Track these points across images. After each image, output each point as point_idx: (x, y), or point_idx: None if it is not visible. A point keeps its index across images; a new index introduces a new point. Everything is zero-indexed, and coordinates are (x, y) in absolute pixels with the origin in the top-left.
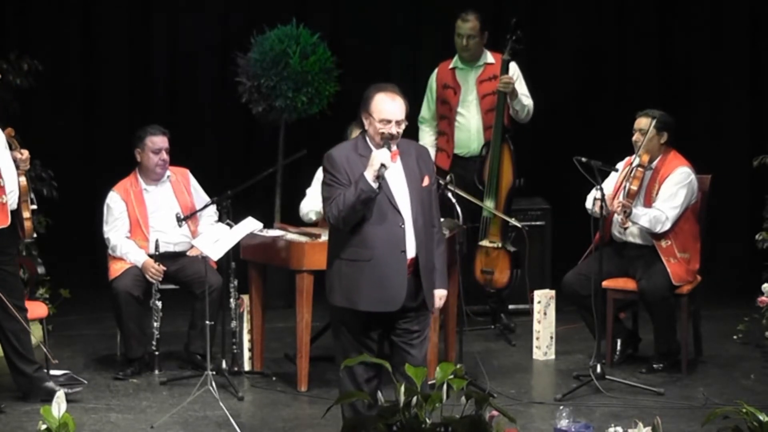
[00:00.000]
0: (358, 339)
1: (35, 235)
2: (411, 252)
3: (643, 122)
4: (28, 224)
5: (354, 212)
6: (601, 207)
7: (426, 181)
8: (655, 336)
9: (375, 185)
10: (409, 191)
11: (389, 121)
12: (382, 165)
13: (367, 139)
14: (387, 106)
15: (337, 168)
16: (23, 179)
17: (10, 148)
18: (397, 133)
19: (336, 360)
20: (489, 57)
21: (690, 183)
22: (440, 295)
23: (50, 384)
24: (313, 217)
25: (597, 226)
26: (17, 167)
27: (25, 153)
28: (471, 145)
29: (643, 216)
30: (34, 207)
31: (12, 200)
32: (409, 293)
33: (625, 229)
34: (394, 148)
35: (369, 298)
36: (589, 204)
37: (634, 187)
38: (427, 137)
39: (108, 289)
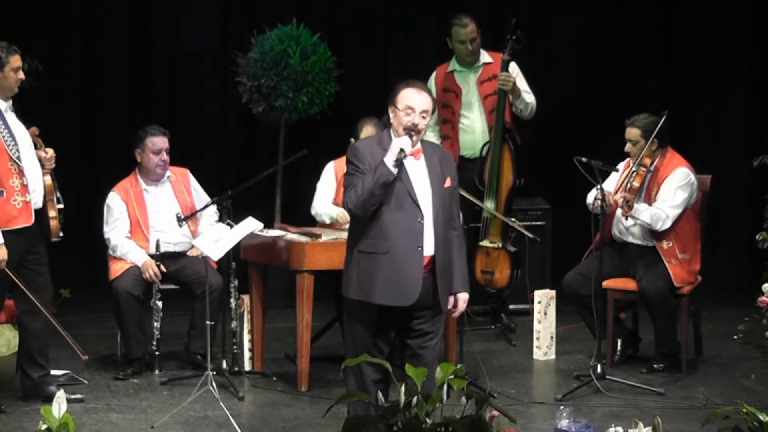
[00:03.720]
0: (370, 338)
1: (62, 234)
2: (429, 249)
3: (632, 133)
4: (53, 223)
5: (372, 197)
6: (602, 206)
7: (448, 182)
8: (656, 336)
9: (394, 169)
10: (431, 189)
11: (413, 110)
12: (402, 150)
13: (392, 133)
14: (411, 96)
15: (359, 158)
16: (48, 178)
17: (35, 147)
18: (420, 124)
19: (346, 356)
20: (486, 57)
21: (690, 183)
22: (463, 298)
23: (53, 388)
24: (327, 221)
25: (597, 226)
26: (42, 166)
27: (50, 152)
28: (476, 146)
29: (645, 212)
30: (61, 206)
31: (36, 199)
32: (425, 292)
33: (627, 218)
34: (416, 142)
35: (384, 291)
36: (590, 199)
37: (637, 184)
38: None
39: (108, 289)
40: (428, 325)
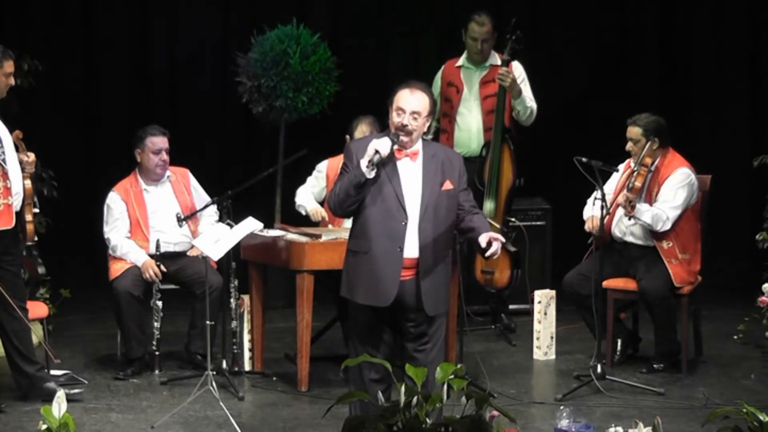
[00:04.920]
0: (367, 337)
1: (36, 239)
2: (412, 252)
3: (633, 132)
4: (30, 227)
5: (348, 197)
6: (602, 207)
7: (448, 185)
8: (656, 336)
9: (367, 171)
10: (422, 192)
11: (402, 111)
12: (377, 152)
13: (391, 130)
14: (403, 96)
15: (348, 157)
16: (28, 182)
17: (17, 150)
18: (410, 125)
19: (349, 356)
20: (496, 58)
21: (690, 183)
22: (488, 236)
23: (51, 384)
24: (302, 212)
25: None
26: (23, 170)
27: (32, 156)
28: (471, 145)
29: (646, 212)
30: (36, 210)
31: (17, 202)
32: (407, 294)
33: (630, 218)
34: (412, 143)
35: (364, 291)
36: (587, 214)
37: (638, 184)
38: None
39: (108, 289)
40: (420, 329)
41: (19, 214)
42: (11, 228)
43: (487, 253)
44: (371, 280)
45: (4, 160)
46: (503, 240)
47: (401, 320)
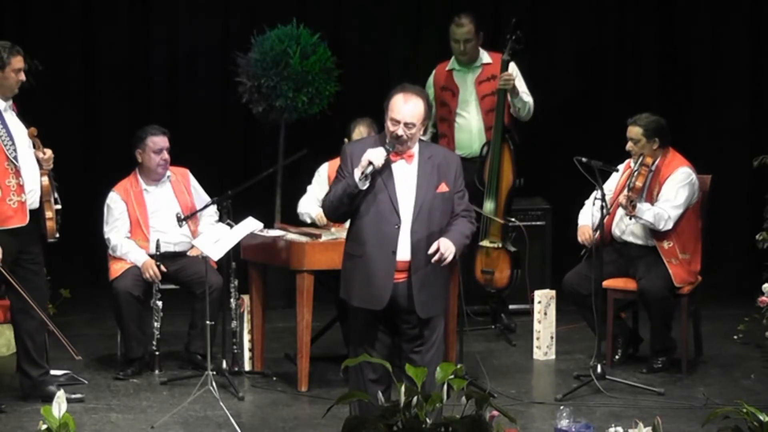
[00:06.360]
0: (366, 338)
1: (57, 235)
2: (404, 255)
3: (633, 131)
4: (50, 224)
5: (340, 204)
6: (602, 207)
7: (443, 188)
8: (651, 334)
9: (360, 182)
10: (416, 194)
11: (397, 122)
12: (370, 163)
13: (387, 136)
14: (398, 107)
15: (344, 161)
16: (45, 179)
17: (33, 148)
18: (405, 135)
19: (349, 356)
20: (486, 57)
21: (691, 183)
22: (443, 243)
23: (53, 388)
24: (307, 220)
25: (597, 226)
26: (40, 167)
27: (48, 152)
28: (473, 145)
29: (647, 211)
30: (58, 207)
31: (32, 199)
32: (401, 297)
33: (631, 217)
34: (408, 148)
35: (359, 294)
36: (582, 216)
37: (639, 183)
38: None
39: (108, 289)
40: (416, 331)
41: (39, 212)
42: (26, 225)
43: (433, 259)
44: (365, 284)
45: (15, 158)
46: (447, 255)
47: (397, 321)
